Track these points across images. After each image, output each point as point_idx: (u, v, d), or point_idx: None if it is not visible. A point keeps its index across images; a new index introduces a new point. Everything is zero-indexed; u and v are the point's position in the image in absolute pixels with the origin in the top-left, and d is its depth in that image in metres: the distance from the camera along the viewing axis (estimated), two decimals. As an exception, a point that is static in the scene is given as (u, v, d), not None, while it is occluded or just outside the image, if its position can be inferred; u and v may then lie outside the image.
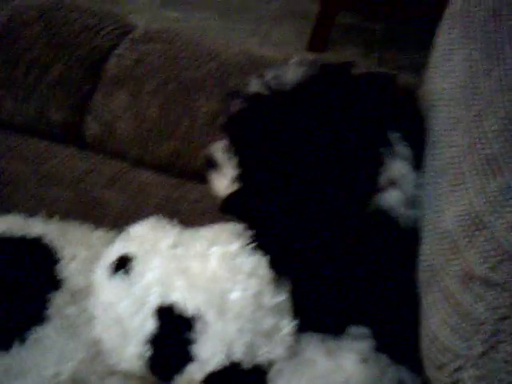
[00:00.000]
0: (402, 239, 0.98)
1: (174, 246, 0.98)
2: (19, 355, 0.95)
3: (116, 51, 1.54)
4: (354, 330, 0.96)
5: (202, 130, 1.46)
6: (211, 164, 1.13)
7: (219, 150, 1.12)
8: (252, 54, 1.56)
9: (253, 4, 3.49)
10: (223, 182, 1.11)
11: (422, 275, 0.96)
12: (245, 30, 3.27)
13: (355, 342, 0.96)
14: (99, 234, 1.10)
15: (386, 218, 0.96)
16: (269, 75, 1.05)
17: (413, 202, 1.00)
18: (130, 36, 1.58)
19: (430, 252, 0.95)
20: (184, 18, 3.30)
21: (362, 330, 0.96)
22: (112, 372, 0.98)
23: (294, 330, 0.95)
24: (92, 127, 1.51)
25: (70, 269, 1.02)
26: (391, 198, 0.97)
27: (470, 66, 1.01)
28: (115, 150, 1.50)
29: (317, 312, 0.97)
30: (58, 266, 1.02)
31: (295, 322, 0.95)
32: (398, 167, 0.99)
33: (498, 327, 0.77)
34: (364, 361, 0.94)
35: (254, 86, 1.06)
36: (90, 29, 1.56)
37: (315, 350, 0.96)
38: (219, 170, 1.12)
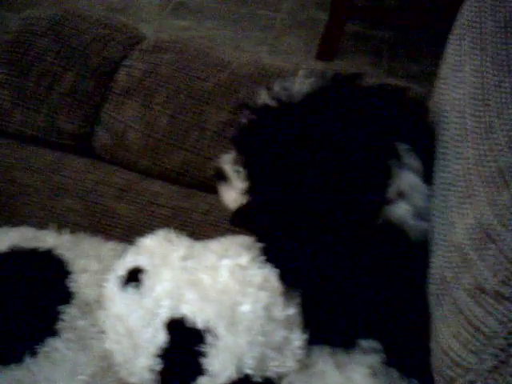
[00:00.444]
0: (412, 252, 0.97)
1: (185, 258, 0.98)
2: (30, 369, 0.95)
3: (126, 62, 1.55)
4: (364, 343, 0.96)
5: (211, 140, 1.46)
6: (220, 176, 1.13)
7: (228, 162, 1.12)
8: (261, 64, 1.56)
9: (261, 12, 3.50)
10: (232, 195, 1.10)
11: (433, 288, 0.96)
12: (254, 38, 3.28)
13: (365, 355, 0.95)
14: (110, 246, 1.10)
15: (395, 230, 0.96)
16: (277, 86, 1.05)
17: (422, 214, 0.99)
18: (140, 46, 1.59)
19: (440, 265, 0.95)
20: (193, 27, 3.31)
21: (373, 344, 0.96)
22: (123, 385, 0.98)
23: (305, 343, 0.95)
24: (102, 138, 1.51)
25: (80, 281, 1.02)
26: (400, 210, 0.97)
27: (480, 77, 1.01)
28: (125, 161, 1.50)
29: (327, 325, 0.97)
30: (69, 279, 1.02)
31: (306, 335, 0.95)
32: (407, 179, 0.99)
33: (509, 341, 0.77)
34: (374, 374, 0.94)
35: (263, 97, 1.06)
36: (100, 39, 1.57)
37: (325, 362, 0.96)
38: (228, 183, 1.12)
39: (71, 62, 1.53)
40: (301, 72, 1.06)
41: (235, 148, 1.10)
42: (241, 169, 1.07)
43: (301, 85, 1.03)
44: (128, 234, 1.27)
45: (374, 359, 0.95)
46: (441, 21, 2.90)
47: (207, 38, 3.19)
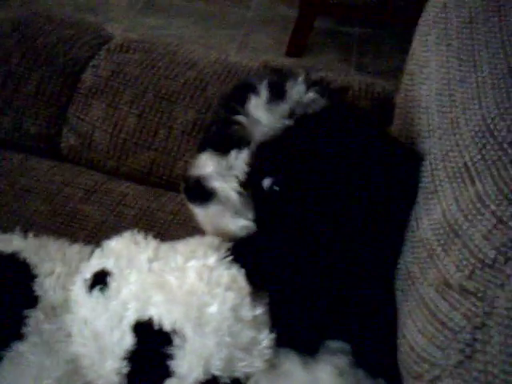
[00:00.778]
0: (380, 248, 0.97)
1: (151, 260, 0.97)
2: (-5, 374, 0.94)
3: (92, 62, 1.53)
4: (332, 344, 0.96)
5: (179, 139, 1.45)
6: (198, 190, 0.97)
7: (217, 174, 0.96)
8: (229, 63, 1.56)
9: (231, 10, 3.49)
10: (229, 220, 0.97)
11: (400, 284, 0.96)
12: (223, 36, 3.27)
13: (333, 356, 0.95)
14: (76, 249, 1.08)
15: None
16: (275, 90, 0.96)
17: None
18: (107, 46, 1.58)
19: (407, 260, 0.95)
20: (162, 25, 3.30)
21: (341, 345, 0.96)
22: (91, 388, 0.97)
23: (273, 343, 0.95)
24: (69, 139, 1.50)
25: (46, 285, 1.00)
26: None
27: (446, 72, 1.01)
28: (92, 162, 1.49)
29: (293, 326, 0.97)
30: (35, 283, 1.00)
31: (273, 335, 0.95)
32: None
33: (475, 336, 0.77)
34: (341, 374, 0.94)
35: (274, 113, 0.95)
36: (66, 40, 1.55)
37: (292, 362, 0.96)
38: (216, 203, 0.96)
39: (37, 64, 1.51)
40: (300, 78, 0.99)
41: (250, 170, 0.95)
42: (243, 190, 0.95)
43: (307, 98, 0.96)
44: (95, 235, 1.26)
45: (342, 360, 0.95)
46: (409, 18, 2.92)
47: (176, 37, 3.18)
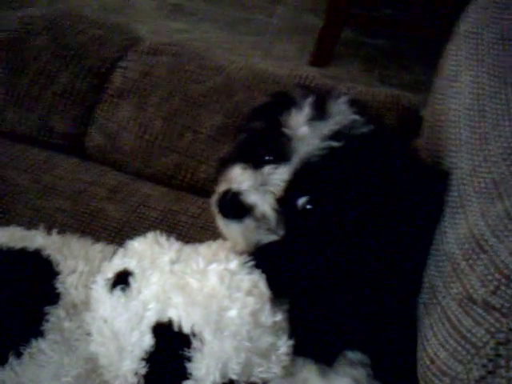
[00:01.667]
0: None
1: (173, 262, 0.97)
2: (14, 370, 0.94)
3: (122, 63, 1.54)
4: (350, 355, 0.96)
5: (205, 144, 1.45)
6: (237, 206, 0.94)
7: (255, 189, 0.94)
8: (257, 69, 1.56)
9: (256, 17, 3.50)
10: (261, 236, 0.95)
11: (423, 297, 0.96)
12: (248, 42, 3.28)
13: (351, 367, 0.95)
14: (99, 248, 1.09)
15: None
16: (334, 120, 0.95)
17: None
18: (136, 48, 1.58)
19: (430, 274, 0.95)
20: (189, 29, 3.31)
21: (360, 357, 0.95)
22: (108, 387, 0.97)
23: (291, 349, 0.95)
24: (95, 138, 1.51)
25: (68, 283, 1.01)
26: None
27: (476, 87, 1.01)
28: (117, 162, 1.50)
29: (313, 335, 0.96)
30: (57, 280, 1.01)
31: (292, 342, 0.94)
32: None
33: (498, 352, 0.76)
34: None
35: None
36: (97, 40, 1.56)
37: (310, 371, 0.95)
38: (253, 218, 0.94)
39: (66, 62, 1.52)
40: (342, 98, 0.99)
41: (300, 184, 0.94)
42: (278, 207, 0.94)
43: (349, 119, 0.96)
44: (117, 235, 1.26)
45: (360, 371, 0.94)
46: (433, 31, 2.92)
47: (202, 41, 3.19)
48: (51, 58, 1.52)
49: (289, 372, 0.96)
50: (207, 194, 1.07)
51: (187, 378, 0.91)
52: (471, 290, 0.82)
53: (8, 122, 1.52)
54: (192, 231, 1.30)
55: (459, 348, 0.82)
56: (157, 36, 3.13)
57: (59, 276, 1.01)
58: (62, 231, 1.13)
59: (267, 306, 0.94)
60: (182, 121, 1.47)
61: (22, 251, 1.02)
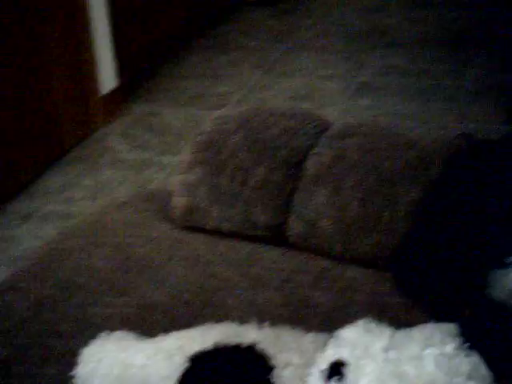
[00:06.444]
0: None
1: (387, 349, 0.95)
2: None
3: (314, 150, 1.57)
4: None
5: (405, 220, 1.43)
6: None
7: None
8: (451, 139, 1.53)
9: (446, 82, 3.45)
10: None
11: None
12: (439, 109, 3.23)
13: None
14: (310, 339, 1.09)
15: None
16: None
17: None
18: (327, 133, 1.61)
19: None
20: (378, 105, 3.33)
21: None
22: None
23: None
24: (295, 226, 1.53)
25: (284, 376, 1.02)
26: None
27: None
28: (319, 248, 1.51)
29: None
30: (273, 374, 1.02)
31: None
32: None
33: None
34: None
35: None
36: (288, 131, 1.61)
37: None
38: None
39: (262, 156, 1.58)
40: None
41: None
42: None
43: None
44: (327, 322, 1.26)
45: None
46: None
47: (392, 114, 3.19)
48: (248, 154, 1.58)
49: None
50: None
51: None
52: None
53: (214, 219, 1.59)
54: (404, 312, 1.27)
55: None
56: (346, 115, 3.17)
57: (274, 370, 1.03)
58: (273, 322, 1.15)
59: (491, 390, 0.89)
60: (378, 200, 1.46)
61: (237, 347, 1.05)
